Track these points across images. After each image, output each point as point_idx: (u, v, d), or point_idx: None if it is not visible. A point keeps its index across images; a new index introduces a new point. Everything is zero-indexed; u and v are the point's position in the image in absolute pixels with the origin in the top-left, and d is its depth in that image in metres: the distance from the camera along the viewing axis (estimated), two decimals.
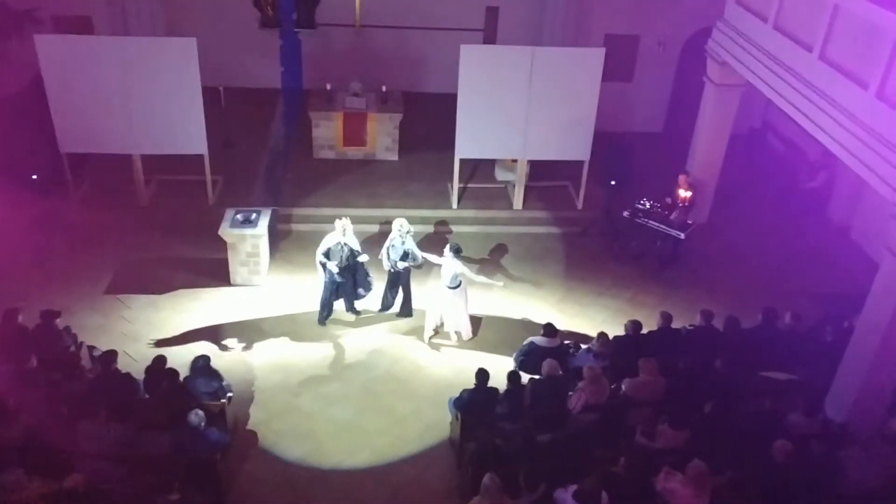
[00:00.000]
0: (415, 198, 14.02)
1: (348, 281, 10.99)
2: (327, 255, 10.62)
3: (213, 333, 10.83)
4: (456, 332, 10.81)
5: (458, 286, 10.56)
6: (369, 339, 10.99)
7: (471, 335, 10.88)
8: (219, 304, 11.45)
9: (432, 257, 10.72)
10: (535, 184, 14.34)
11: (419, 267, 10.95)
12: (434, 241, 13.04)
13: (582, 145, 13.28)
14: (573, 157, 13.46)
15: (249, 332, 10.93)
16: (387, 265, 10.88)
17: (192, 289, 11.63)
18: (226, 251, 11.71)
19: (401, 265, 10.75)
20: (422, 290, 11.79)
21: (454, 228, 13.45)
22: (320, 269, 10.72)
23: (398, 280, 11.08)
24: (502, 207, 13.95)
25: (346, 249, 10.72)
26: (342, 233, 10.61)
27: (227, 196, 13.43)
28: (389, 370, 10.46)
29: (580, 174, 13.68)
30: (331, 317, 11.12)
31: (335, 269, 10.57)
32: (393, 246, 10.80)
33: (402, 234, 10.70)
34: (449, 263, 10.46)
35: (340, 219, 10.69)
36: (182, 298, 11.49)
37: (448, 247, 10.48)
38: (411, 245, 10.75)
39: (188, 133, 12.64)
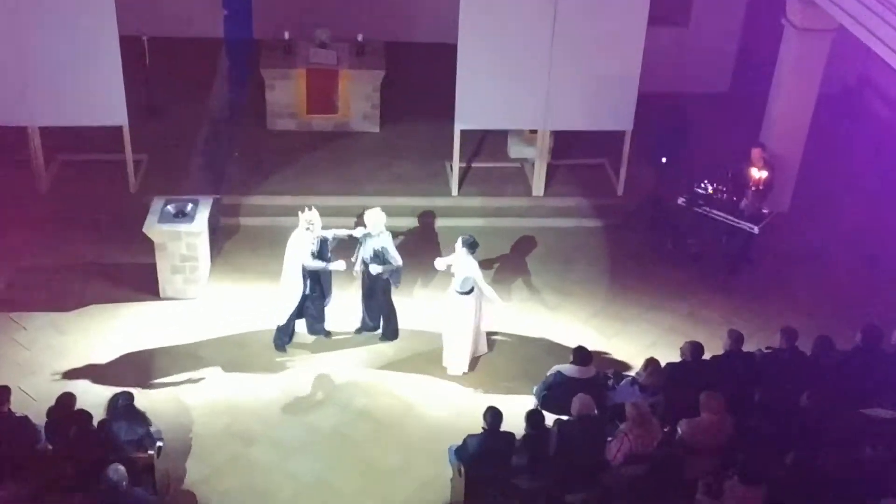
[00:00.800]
0: (402, 182, 14.00)
1: (317, 294, 11.05)
2: (321, 257, 10.70)
3: (137, 363, 10.85)
4: (451, 356, 10.90)
5: (471, 291, 10.61)
6: (343, 369, 11.01)
7: (476, 354, 11.04)
8: (144, 323, 11.46)
9: (441, 261, 10.77)
10: (561, 162, 14.35)
11: (395, 279, 10.97)
12: (426, 240, 13.08)
13: (622, 111, 13.22)
14: (611, 126, 13.48)
15: (185, 360, 10.96)
16: (358, 268, 10.93)
17: (107, 304, 11.64)
18: (153, 254, 11.72)
19: (374, 269, 10.78)
20: (421, 302, 11.85)
21: (454, 223, 13.41)
22: (297, 279, 10.71)
23: (375, 290, 11.11)
24: (518, 193, 13.96)
25: (315, 251, 10.76)
26: (308, 228, 10.65)
27: (155, 181, 13.38)
28: (369, 410, 10.48)
29: (620, 149, 13.69)
30: (292, 341, 11.20)
31: (357, 268, 10.67)
32: (362, 243, 10.84)
33: (376, 231, 10.74)
34: (461, 262, 10.52)
35: (305, 210, 10.72)
36: (95, 317, 11.45)
37: (461, 240, 10.56)
38: (387, 243, 10.77)
39: (102, 98, 12.58)
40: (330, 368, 10.99)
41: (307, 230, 10.65)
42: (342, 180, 13.89)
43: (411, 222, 13.39)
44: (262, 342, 11.23)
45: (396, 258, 10.82)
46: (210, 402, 10.48)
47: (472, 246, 10.54)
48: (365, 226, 10.86)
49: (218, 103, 15.37)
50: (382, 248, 10.74)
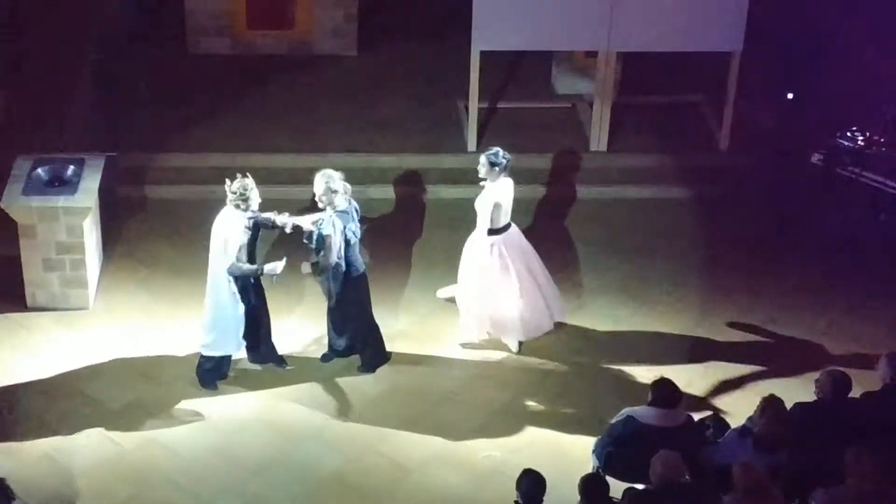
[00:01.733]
0: (392, 132, 13.96)
1: (261, 307, 11.02)
2: (251, 253, 10.70)
3: None
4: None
5: (500, 230, 11.29)
6: (303, 414, 11.06)
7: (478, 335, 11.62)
8: (2, 348, 11.48)
9: (446, 291, 11.77)
10: (634, 101, 14.32)
11: (321, 271, 10.95)
12: (426, 224, 13.12)
13: (728, 23, 13.27)
14: (709, 46, 13.47)
15: (66, 402, 10.96)
16: (305, 269, 10.97)
17: None
18: (15, 242, 11.75)
19: (304, 268, 10.91)
20: (411, 317, 11.86)
21: (471, 192, 13.29)
22: (226, 284, 10.74)
23: (345, 300, 11.09)
24: (568, 148, 13.95)
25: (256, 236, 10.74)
26: (239, 204, 10.53)
27: (17, 132, 13.35)
28: (344, 477, 10.50)
29: (723, 82, 13.66)
30: (228, 373, 11.26)
31: (273, 270, 10.62)
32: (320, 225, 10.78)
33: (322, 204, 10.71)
34: (493, 190, 11.16)
35: (236, 178, 10.62)
36: None
37: (485, 158, 11.18)
38: (330, 226, 10.72)
39: None
40: (284, 413, 11.00)
41: (237, 208, 10.59)
42: (300, 130, 13.86)
43: (404, 193, 13.34)
44: (182, 374, 11.26)
45: (329, 254, 10.69)
46: (105, 463, 10.43)
47: (504, 166, 11.17)
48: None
49: (111, 14, 15.30)
50: (322, 232, 10.66)
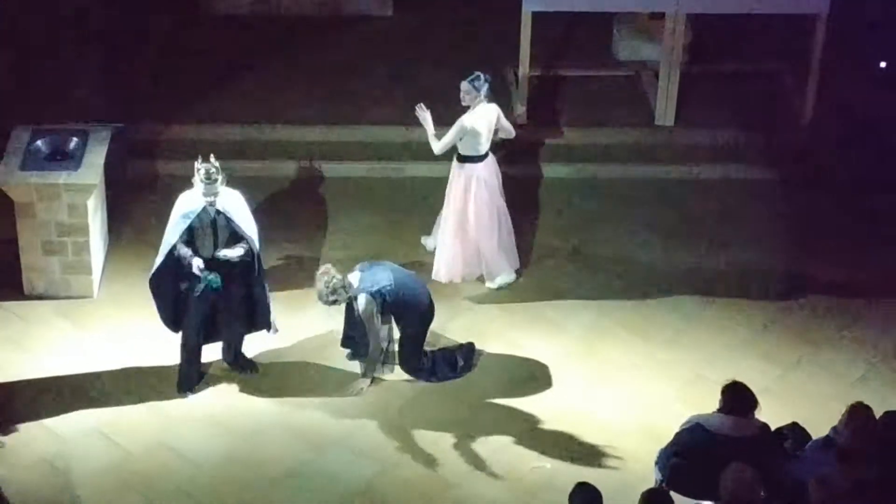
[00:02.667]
0: (433, 102, 13.84)
1: (233, 295, 11.02)
2: (191, 240, 10.80)
3: None
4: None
5: (478, 158, 11.89)
6: (330, 416, 11.10)
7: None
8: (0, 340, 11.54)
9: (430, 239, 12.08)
10: (706, 68, 14.33)
11: (373, 362, 11.20)
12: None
13: None
14: (791, 8, 13.53)
15: (70, 401, 11.04)
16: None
17: None
18: (12, 223, 11.87)
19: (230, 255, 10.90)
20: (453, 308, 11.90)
21: (521, 170, 13.50)
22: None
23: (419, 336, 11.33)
24: (631, 121, 14.01)
25: (221, 222, 10.74)
26: (206, 186, 10.60)
27: (14, 99, 13.43)
28: (377, 485, 10.54)
29: (807, 49, 13.65)
30: (202, 380, 11.34)
31: (200, 268, 10.72)
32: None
33: (348, 286, 10.81)
34: (471, 115, 11.77)
35: (206, 160, 10.62)
36: None
37: (468, 84, 11.80)
38: (365, 313, 10.91)
39: None
40: (307, 417, 11.06)
41: (204, 196, 10.63)
42: (330, 100, 13.90)
43: (445, 170, 13.32)
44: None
45: (374, 341, 10.96)
46: (109, 469, 10.48)
47: (477, 87, 11.75)
48: None
49: None
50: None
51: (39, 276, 11.90)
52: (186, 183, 13.17)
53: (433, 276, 12.01)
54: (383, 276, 10.93)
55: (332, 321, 11.46)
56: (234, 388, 11.24)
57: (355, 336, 11.25)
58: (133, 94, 13.92)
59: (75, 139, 11.91)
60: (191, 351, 11.10)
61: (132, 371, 11.31)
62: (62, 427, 10.78)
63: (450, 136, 11.78)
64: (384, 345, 11.18)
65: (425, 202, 12.99)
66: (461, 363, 11.38)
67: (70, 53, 14.21)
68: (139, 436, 10.78)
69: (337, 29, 14.86)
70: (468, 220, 11.93)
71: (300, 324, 11.73)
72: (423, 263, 12.22)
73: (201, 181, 10.59)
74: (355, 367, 11.40)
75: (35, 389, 11.09)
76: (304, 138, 13.15)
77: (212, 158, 10.67)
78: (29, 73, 13.94)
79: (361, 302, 10.84)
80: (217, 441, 10.79)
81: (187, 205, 10.77)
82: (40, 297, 11.92)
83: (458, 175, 11.94)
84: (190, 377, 11.16)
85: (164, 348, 11.45)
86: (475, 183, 11.84)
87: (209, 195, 10.63)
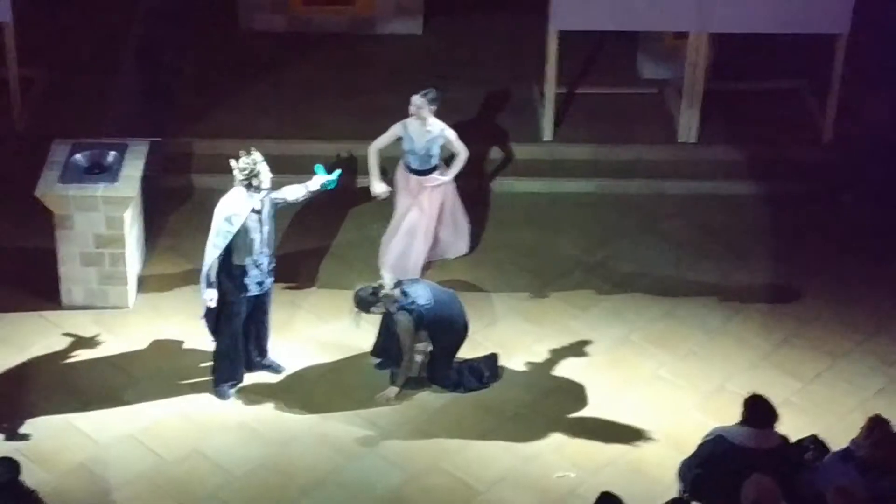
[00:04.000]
0: (461, 119, 13.91)
1: (265, 300, 11.11)
2: (235, 246, 10.71)
3: (24, 413, 10.98)
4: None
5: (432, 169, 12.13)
6: (360, 425, 11.12)
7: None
8: (33, 352, 11.61)
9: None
10: (726, 87, 14.28)
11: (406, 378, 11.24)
12: (486, 216, 13.17)
13: (832, 4, 13.23)
14: (812, 28, 13.43)
15: (107, 411, 11.08)
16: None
17: None
18: (50, 234, 11.87)
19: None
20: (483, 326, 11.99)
21: (547, 186, 13.52)
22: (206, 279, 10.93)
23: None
24: (653, 138, 14.00)
25: (265, 220, 10.72)
26: (249, 181, 10.59)
27: (55, 113, 13.54)
28: (405, 492, 10.58)
29: (827, 67, 13.63)
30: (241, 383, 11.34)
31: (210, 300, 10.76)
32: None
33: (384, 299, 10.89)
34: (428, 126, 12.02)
35: (245, 154, 10.62)
36: None
37: (431, 96, 11.99)
38: (401, 331, 10.99)
39: None
40: (338, 426, 11.06)
41: (247, 187, 10.60)
42: (361, 116, 13.92)
43: (472, 186, 13.38)
44: (227, 380, 11.30)
45: (407, 360, 11.10)
46: (144, 475, 10.51)
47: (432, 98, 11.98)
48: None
49: None
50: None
51: (77, 286, 11.94)
52: (221, 195, 13.26)
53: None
54: (423, 293, 10.96)
55: (362, 330, 11.36)
56: (265, 396, 11.23)
57: (389, 348, 11.29)
58: (171, 109, 13.98)
59: (113, 153, 11.96)
60: (234, 349, 11.09)
61: (167, 379, 11.35)
62: (98, 433, 10.82)
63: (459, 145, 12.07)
64: (418, 358, 11.23)
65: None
66: (487, 374, 11.40)
67: (109, 69, 14.29)
68: (173, 442, 10.80)
69: (369, 47, 14.87)
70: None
71: (331, 332, 11.76)
72: (458, 281, 12.29)
73: (246, 175, 10.57)
74: (384, 376, 11.40)
75: (72, 396, 11.13)
76: (337, 153, 13.26)
77: (252, 150, 10.66)
78: (69, 89, 14.01)
79: (401, 319, 10.90)
80: (249, 448, 10.80)
81: (231, 208, 10.68)
82: (78, 307, 11.94)
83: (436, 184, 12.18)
84: (233, 373, 11.18)
85: (198, 357, 11.52)
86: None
87: (255, 188, 10.59)
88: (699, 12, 13.22)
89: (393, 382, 11.23)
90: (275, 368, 11.45)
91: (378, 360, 11.58)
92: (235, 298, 10.86)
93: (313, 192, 11.16)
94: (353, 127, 13.74)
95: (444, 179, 12.06)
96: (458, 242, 12.63)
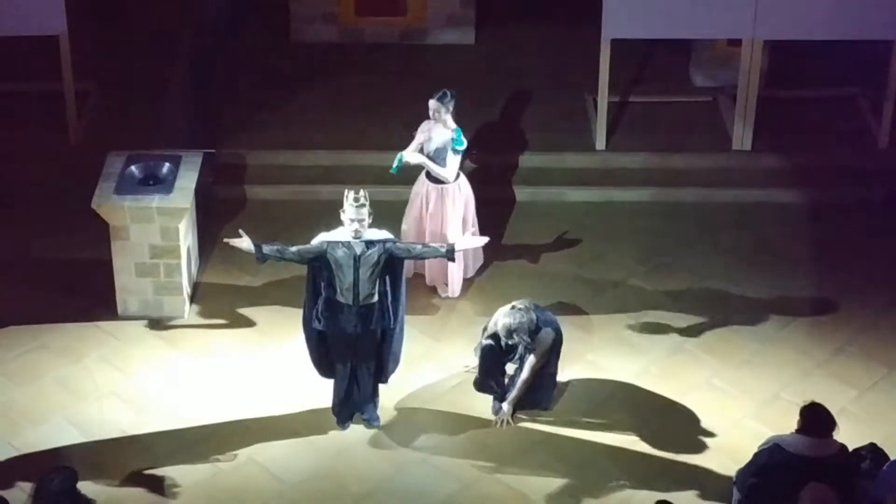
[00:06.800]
0: (513, 128, 14.05)
1: (368, 338, 10.73)
2: (329, 279, 10.49)
3: (81, 426, 11.02)
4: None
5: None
6: (414, 433, 11.10)
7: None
8: (91, 360, 11.69)
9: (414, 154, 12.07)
10: (780, 94, 14.27)
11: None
12: (539, 226, 13.14)
13: (888, 10, 13.20)
14: (867, 34, 13.43)
15: (163, 420, 11.12)
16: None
17: (26, 327, 11.93)
18: (106, 245, 11.94)
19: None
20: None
21: (599, 195, 13.52)
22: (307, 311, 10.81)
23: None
24: (708, 147, 13.99)
25: (363, 259, 10.39)
26: (356, 219, 10.33)
27: (110, 126, 13.63)
28: (459, 502, 10.54)
29: (882, 74, 13.62)
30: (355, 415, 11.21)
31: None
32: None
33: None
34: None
35: (354, 191, 10.33)
36: (8, 349, 11.72)
37: (448, 101, 11.86)
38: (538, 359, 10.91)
39: None
40: (391, 435, 11.06)
41: (351, 226, 10.28)
42: (413, 126, 13.85)
43: (525, 195, 13.39)
44: (280, 391, 11.39)
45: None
46: (199, 483, 10.55)
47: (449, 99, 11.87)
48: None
49: (211, 2, 15.56)
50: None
51: (132, 297, 12.00)
52: (274, 206, 13.39)
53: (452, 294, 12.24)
54: (549, 315, 11.01)
55: (413, 340, 11.47)
56: (317, 405, 11.21)
57: (493, 382, 11.18)
58: (224, 121, 14.05)
59: (168, 164, 12.01)
60: (343, 387, 10.95)
61: (221, 388, 11.39)
62: (154, 443, 10.86)
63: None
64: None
65: (498, 226, 13.04)
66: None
67: (162, 80, 14.37)
68: (228, 451, 10.83)
69: (420, 58, 14.93)
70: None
71: None
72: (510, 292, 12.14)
73: (350, 204, 10.26)
74: (442, 385, 11.40)
75: (127, 406, 11.19)
76: (388, 163, 13.23)
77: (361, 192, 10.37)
78: (123, 101, 14.13)
79: (546, 336, 10.84)
80: (303, 458, 10.81)
81: (330, 235, 10.49)
82: (134, 318, 12.00)
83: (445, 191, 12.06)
84: (343, 411, 11.06)
85: (252, 366, 11.59)
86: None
87: (356, 220, 10.27)
88: (752, 19, 13.21)
89: (501, 401, 11.12)
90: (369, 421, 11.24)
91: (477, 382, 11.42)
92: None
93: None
94: (404, 138, 13.69)
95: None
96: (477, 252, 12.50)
